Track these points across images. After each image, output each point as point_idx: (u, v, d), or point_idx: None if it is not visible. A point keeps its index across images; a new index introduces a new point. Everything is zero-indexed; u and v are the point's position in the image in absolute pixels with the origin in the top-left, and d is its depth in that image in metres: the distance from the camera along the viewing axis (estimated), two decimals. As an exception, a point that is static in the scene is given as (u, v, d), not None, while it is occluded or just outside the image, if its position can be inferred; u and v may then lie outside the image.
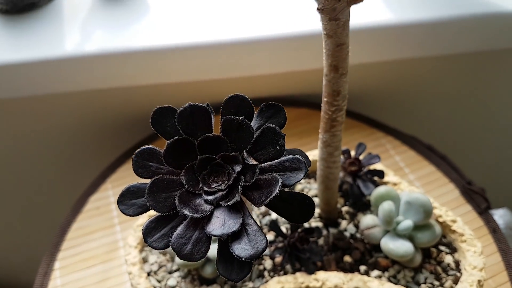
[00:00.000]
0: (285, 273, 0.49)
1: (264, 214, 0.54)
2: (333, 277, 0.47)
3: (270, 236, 0.52)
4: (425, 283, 0.48)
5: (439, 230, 0.48)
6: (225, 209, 0.30)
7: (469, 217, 0.64)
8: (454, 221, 0.51)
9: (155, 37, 0.67)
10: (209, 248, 0.29)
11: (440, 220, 0.52)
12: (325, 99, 0.40)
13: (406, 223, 0.48)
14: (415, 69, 0.79)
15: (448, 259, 0.50)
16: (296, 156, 0.30)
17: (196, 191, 0.30)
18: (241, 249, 0.29)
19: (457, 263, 0.50)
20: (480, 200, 0.64)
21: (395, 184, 0.55)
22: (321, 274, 0.47)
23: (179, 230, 0.29)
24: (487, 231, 0.62)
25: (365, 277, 0.47)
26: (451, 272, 0.49)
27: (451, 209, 0.64)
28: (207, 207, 0.30)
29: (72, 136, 0.79)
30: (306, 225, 0.52)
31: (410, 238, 0.49)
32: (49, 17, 0.72)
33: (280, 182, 0.29)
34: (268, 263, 0.50)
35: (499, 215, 0.64)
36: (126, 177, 0.72)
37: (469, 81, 0.83)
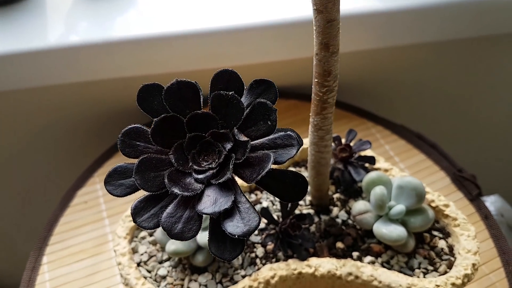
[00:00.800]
0: (277, 261, 0.48)
1: (255, 203, 0.54)
2: (326, 263, 0.47)
3: (262, 224, 0.52)
4: (419, 268, 0.48)
5: (432, 214, 0.48)
6: (216, 188, 0.29)
7: (460, 204, 0.64)
8: (447, 206, 0.51)
9: (142, 27, 0.66)
10: (200, 227, 0.28)
11: (433, 205, 0.51)
12: (316, 80, 0.39)
13: (398, 207, 0.47)
14: (403, 57, 0.79)
15: (442, 244, 0.50)
16: (288, 132, 0.30)
17: (186, 170, 0.29)
18: (234, 226, 0.28)
19: (451, 248, 0.50)
20: (471, 187, 0.64)
21: (386, 170, 0.55)
22: (313, 260, 0.47)
23: (169, 209, 0.29)
24: (479, 218, 0.62)
25: (358, 263, 0.47)
26: (445, 257, 0.49)
27: (444, 196, 0.63)
28: (198, 186, 0.29)
29: (59, 130, 0.77)
30: (297, 211, 0.51)
31: (403, 223, 0.48)
32: (33, 8, 0.70)
33: (272, 158, 0.28)
34: (260, 251, 0.49)
35: (490, 202, 0.64)
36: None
37: (457, 68, 0.83)
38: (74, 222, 0.65)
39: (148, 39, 0.65)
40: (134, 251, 0.50)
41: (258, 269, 0.48)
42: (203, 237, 0.46)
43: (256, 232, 0.51)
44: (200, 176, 0.29)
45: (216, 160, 0.29)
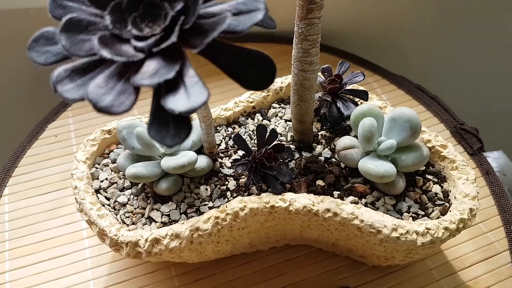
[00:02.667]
0: (250, 195, 0.43)
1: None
2: (302, 198, 0.41)
3: (236, 156, 0.46)
4: (408, 212, 0.42)
5: (427, 152, 0.42)
6: (159, 58, 0.24)
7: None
8: (444, 147, 0.45)
9: None
10: (133, 102, 0.23)
11: (429, 145, 0.46)
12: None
13: (388, 142, 0.42)
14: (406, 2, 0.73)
15: (436, 188, 0.44)
16: (254, -3, 0.24)
17: (123, 35, 0.24)
18: (176, 101, 0.23)
19: (446, 194, 0.44)
20: (473, 141, 0.58)
21: (380, 108, 0.49)
22: (288, 195, 0.42)
23: (100, 78, 0.24)
24: (479, 174, 0.57)
25: (339, 200, 0.42)
26: (438, 202, 0.43)
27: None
28: (136, 53, 0.24)
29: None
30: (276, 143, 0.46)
31: (393, 162, 0.43)
32: None
33: (227, 21, 0.23)
34: (232, 184, 0.44)
35: (493, 158, 0.59)
36: (87, 106, 0.65)
37: (459, 12, 0.76)
38: (42, 155, 0.61)
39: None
40: (94, 177, 0.46)
41: (228, 201, 0.43)
42: (166, 161, 0.41)
43: (229, 164, 0.46)
44: (141, 44, 0.24)
45: (162, 25, 0.24)
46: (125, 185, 0.45)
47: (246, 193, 0.43)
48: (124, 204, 0.43)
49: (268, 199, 0.41)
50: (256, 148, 0.44)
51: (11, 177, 0.58)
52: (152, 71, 0.23)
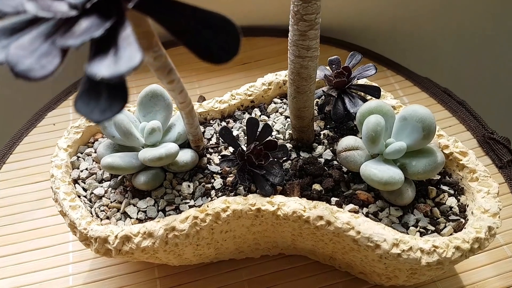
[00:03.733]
0: (236, 195, 0.38)
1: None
2: (292, 202, 0.37)
3: (226, 152, 0.42)
4: (415, 226, 0.37)
5: (441, 158, 0.37)
6: (94, 16, 0.20)
7: (487, 171, 0.52)
8: (464, 154, 0.40)
9: None
10: (57, 66, 0.19)
11: (446, 151, 0.40)
12: None
13: (397, 144, 0.37)
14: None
15: (451, 201, 0.39)
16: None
17: (56, -9, 0.20)
18: (101, 65, 0.19)
19: (463, 208, 0.38)
20: (503, 152, 0.51)
21: (394, 108, 0.44)
22: (277, 198, 0.37)
23: (24, 39, 0.20)
24: (508, 189, 0.50)
25: (334, 207, 0.37)
26: (453, 217, 0.38)
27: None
28: (69, 11, 0.20)
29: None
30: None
31: (402, 167, 0.37)
32: None
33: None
34: (218, 182, 0.40)
35: (525, 172, 0.51)
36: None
37: (494, 15, 0.69)
38: (38, 143, 0.59)
39: None
40: (75, 166, 0.43)
41: (211, 201, 0.38)
42: (143, 152, 0.38)
43: (218, 161, 0.41)
44: (74, 0, 0.20)
45: (101, -21, 0.20)
46: (104, 177, 0.41)
47: (233, 193, 0.39)
48: (100, 197, 0.40)
49: (254, 201, 0.37)
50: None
51: (4, 163, 0.56)
52: (81, 31, 0.19)
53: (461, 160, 0.39)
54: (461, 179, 0.40)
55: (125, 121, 0.37)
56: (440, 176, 0.40)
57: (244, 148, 0.38)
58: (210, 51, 0.21)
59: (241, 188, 0.39)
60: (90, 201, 0.40)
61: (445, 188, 0.39)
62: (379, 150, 0.38)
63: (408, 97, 0.60)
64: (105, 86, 0.20)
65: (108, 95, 0.20)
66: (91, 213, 0.39)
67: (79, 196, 0.40)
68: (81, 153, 0.44)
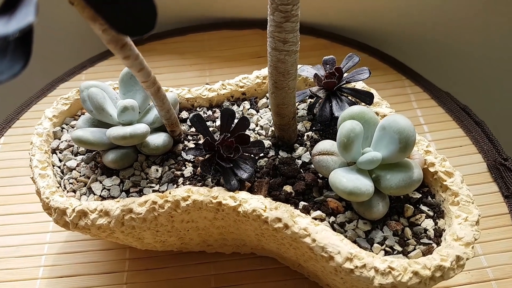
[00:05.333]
0: (204, 187, 0.37)
1: (211, 119, 0.43)
2: (255, 200, 0.35)
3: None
4: (381, 244, 0.34)
5: (418, 175, 0.34)
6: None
7: (491, 199, 0.48)
8: (449, 175, 0.36)
9: None
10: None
11: (432, 169, 0.37)
12: None
13: (370, 154, 0.34)
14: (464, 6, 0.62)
15: (428, 224, 0.36)
16: None
17: None
18: (-3, 25, 0.18)
19: (439, 233, 0.35)
20: (512, 180, 0.47)
21: (382, 116, 0.41)
22: (241, 194, 0.36)
23: None
24: (511, 221, 0.46)
25: (296, 211, 0.35)
26: (424, 241, 0.35)
27: (472, 185, 0.48)
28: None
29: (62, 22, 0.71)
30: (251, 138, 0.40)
31: (376, 180, 0.35)
32: None
33: None
34: (188, 171, 0.39)
35: (534, 206, 0.47)
36: (103, 71, 0.64)
37: None
38: (45, 112, 0.60)
39: None
40: (57, 136, 0.43)
41: (177, 188, 0.38)
42: (111, 130, 0.37)
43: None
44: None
45: None
46: (79, 150, 0.42)
47: (200, 184, 0.38)
48: (72, 169, 0.40)
49: (217, 194, 0.36)
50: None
51: (10, 127, 0.58)
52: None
53: (445, 180, 0.36)
54: (442, 201, 0.36)
55: (98, 96, 0.37)
56: (421, 195, 0.37)
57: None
58: (121, 18, 0.20)
59: (210, 179, 0.38)
60: (62, 173, 0.41)
61: (424, 208, 0.36)
62: (352, 158, 0.35)
63: (422, 110, 0.56)
64: (11, 48, 0.19)
65: (11, 56, 0.19)
66: (60, 184, 0.39)
67: (53, 166, 0.41)
68: (67, 125, 0.44)
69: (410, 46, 0.67)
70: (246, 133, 0.37)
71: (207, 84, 0.56)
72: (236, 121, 0.38)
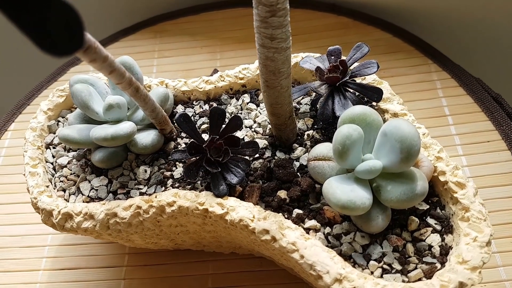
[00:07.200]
0: (193, 190, 0.35)
1: (204, 114, 0.41)
2: (243, 208, 0.33)
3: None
4: (379, 261, 0.31)
5: (422, 189, 0.30)
6: None
7: (517, 203, 0.43)
8: (461, 186, 0.32)
9: None
10: None
11: (442, 179, 0.33)
12: None
13: (369, 163, 0.31)
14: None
15: (434, 239, 0.32)
16: None
17: None
18: None
19: (446, 250, 0.32)
20: (543, 184, 0.42)
21: (395, 115, 0.37)
22: (230, 201, 0.33)
23: None
24: (537, 230, 0.41)
25: (286, 222, 0.32)
26: (428, 259, 0.31)
27: (498, 186, 0.43)
28: None
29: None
30: (246, 138, 0.37)
31: (377, 190, 0.31)
32: None
33: None
34: (178, 172, 0.37)
35: None
36: (114, 54, 0.62)
37: None
38: (55, 98, 0.60)
39: None
40: (51, 130, 0.42)
41: (164, 190, 0.36)
42: (96, 130, 0.35)
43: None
44: None
45: None
46: (72, 147, 0.40)
47: (190, 186, 0.36)
48: (63, 167, 0.39)
49: (204, 200, 0.34)
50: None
51: (21, 113, 0.58)
52: None
53: (456, 192, 0.32)
54: (452, 214, 0.33)
55: (83, 93, 0.36)
56: (429, 206, 0.33)
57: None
58: (45, 38, 0.17)
59: (199, 182, 0.36)
60: (54, 170, 0.40)
61: (431, 221, 0.33)
62: (350, 166, 0.32)
63: (447, 99, 0.51)
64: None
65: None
66: (51, 182, 0.39)
67: (46, 162, 0.40)
68: (63, 117, 0.43)
69: (440, 28, 0.60)
70: (236, 134, 0.35)
71: (215, 69, 0.53)
72: (227, 120, 0.35)
